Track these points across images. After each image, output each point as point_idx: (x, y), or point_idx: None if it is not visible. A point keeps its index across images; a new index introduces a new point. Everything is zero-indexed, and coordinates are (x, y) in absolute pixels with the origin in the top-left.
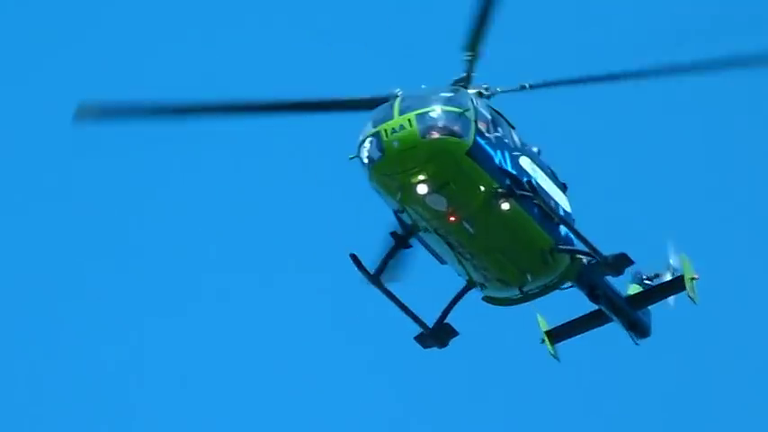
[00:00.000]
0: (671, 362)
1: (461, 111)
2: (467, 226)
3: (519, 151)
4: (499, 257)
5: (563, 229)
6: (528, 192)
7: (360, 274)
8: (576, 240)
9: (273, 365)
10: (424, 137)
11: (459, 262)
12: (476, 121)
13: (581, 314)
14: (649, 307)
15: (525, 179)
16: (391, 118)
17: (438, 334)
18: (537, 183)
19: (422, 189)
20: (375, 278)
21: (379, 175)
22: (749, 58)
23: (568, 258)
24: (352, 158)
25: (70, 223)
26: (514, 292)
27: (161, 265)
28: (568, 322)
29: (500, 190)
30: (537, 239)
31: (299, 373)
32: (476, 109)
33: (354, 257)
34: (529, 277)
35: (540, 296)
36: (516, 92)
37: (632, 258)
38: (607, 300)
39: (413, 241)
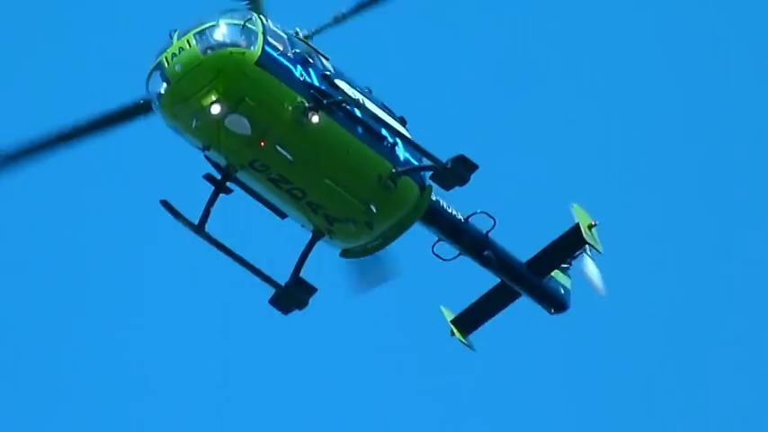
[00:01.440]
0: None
1: (243, 22)
2: (282, 152)
3: (332, 74)
4: (331, 187)
5: (402, 154)
6: (339, 104)
7: (180, 223)
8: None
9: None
10: (205, 52)
11: (294, 205)
12: (264, 34)
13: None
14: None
15: (339, 97)
16: (171, 45)
17: (293, 292)
18: (354, 101)
19: (216, 109)
20: (199, 228)
21: (169, 108)
22: None
23: (417, 187)
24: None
25: None
26: (367, 236)
27: None
28: (473, 304)
29: (307, 104)
30: (368, 162)
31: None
32: (262, 23)
33: (166, 204)
34: (374, 209)
35: (398, 236)
36: (332, 26)
37: (473, 161)
38: (502, 264)
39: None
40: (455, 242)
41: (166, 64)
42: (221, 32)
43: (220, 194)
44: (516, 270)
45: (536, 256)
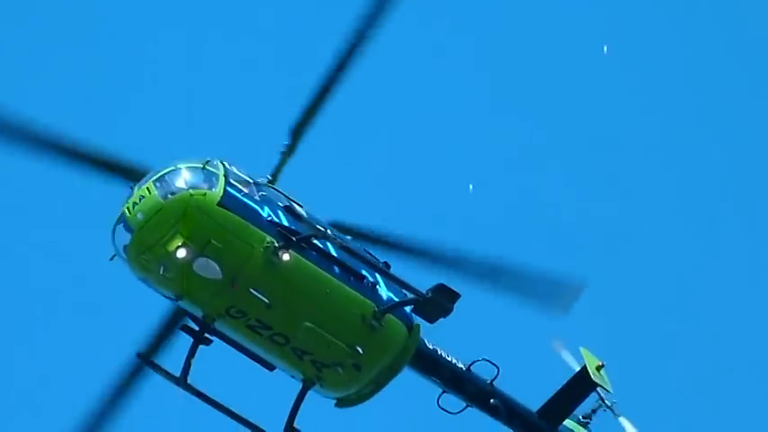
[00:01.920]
0: None
1: (202, 164)
2: (257, 295)
3: (303, 216)
4: (314, 330)
5: (385, 293)
6: (308, 241)
7: (161, 377)
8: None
9: None
10: (165, 197)
11: (278, 353)
12: (225, 176)
13: None
14: None
15: (309, 233)
16: (132, 195)
17: None
18: (325, 235)
19: (182, 254)
20: (182, 381)
21: (136, 258)
22: None
23: (403, 326)
24: (112, 258)
25: None
26: (357, 381)
27: None
28: None
29: (276, 244)
30: (349, 302)
31: None
32: (224, 166)
33: (144, 357)
34: (360, 350)
35: (390, 379)
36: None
37: (453, 289)
38: (511, 413)
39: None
40: (459, 393)
41: (128, 214)
42: (181, 177)
43: (200, 346)
44: (527, 420)
45: (547, 403)
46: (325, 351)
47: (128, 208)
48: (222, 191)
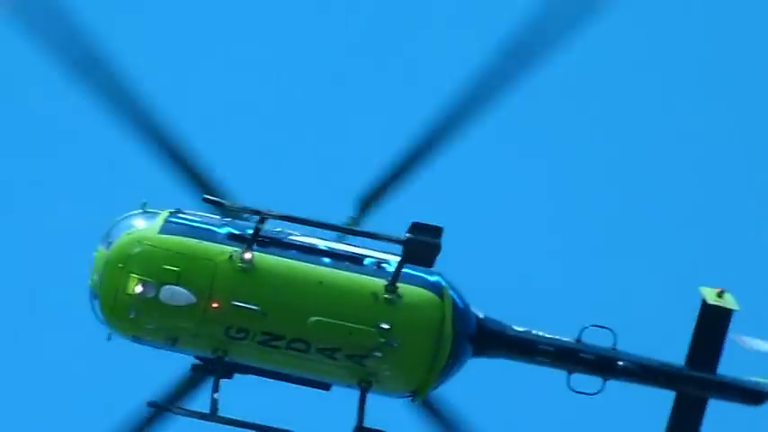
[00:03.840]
0: None
1: (141, 209)
2: (243, 305)
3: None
4: (324, 322)
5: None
6: (276, 240)
7: (188, 418)
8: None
9: None
10: (108, 247)
11: (307, 362)
12: (171, 212)
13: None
14: None
15: (276, 233)
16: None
17: None
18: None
19: (142, 291)
20: (213, 416)
21: (113, 319)
22: None
23: (429, 293)
24: (109, 339)
25: None
26: (408, 364)
27: None
28: None
29: (239, 252)
30: (350, 284)
31: None
32: (171, 211)
33: (155, 405)
34: (387, 326)
35: (447, 353)
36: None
37: (426, 223)
38: (657, 371)
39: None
40: (581, 367)
41: (91, 283)
42: (119, 225)
43: (221, 381)
44: (679, 374)
45: (690, 352)
46: (351, 339)
47: (90, 279)
48: (162, 221)
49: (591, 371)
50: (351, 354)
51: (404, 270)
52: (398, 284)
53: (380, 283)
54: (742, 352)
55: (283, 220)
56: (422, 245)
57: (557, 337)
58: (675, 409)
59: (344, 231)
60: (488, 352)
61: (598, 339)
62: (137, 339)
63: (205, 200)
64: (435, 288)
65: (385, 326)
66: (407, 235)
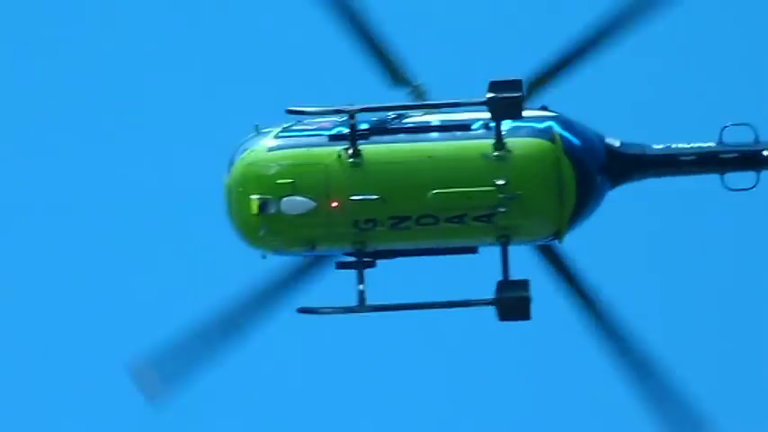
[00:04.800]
0: None
1: (255, 131)
2: (363, 197)
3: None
4: (443, 193)
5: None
6: (384, 128)
7: (339, 315)
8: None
9: None
10: (228, 174)
11: (441, 232)
12: (284, 128)
13: None
14: None
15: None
16: None
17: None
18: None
19: (264, 209)
20: (363, 307)
21: (248, 238)
22: None
23: (539, 140)
24: (264, 257)
25: None
26: (534, 208)
27: None
28: None
29: (342, 150)
30: (458, 152)
31: None
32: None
33: (306, 310)
34: (504, 182)
35: (573, 188)
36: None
37: (505, 79)
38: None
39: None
40: (729, 167)
41: (227, 213)
42: (236, 151)
43: (365, 271)
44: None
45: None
46: (472, 202)
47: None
48: (273, 138)
49: (740, 167)
50: (478, 215)
51: (514, 124)
52: (507, 140)
53: (488, 143)
54: None
55: (366, 111)
56: (503, 100)
57: (697, 144)
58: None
59: (426, 107)
60: (631, 177)
61: (740, 136)
62: (279, 252)
63: (289, 111)
64: (545, 134)
65: (500, 182)
66: (489, 95)
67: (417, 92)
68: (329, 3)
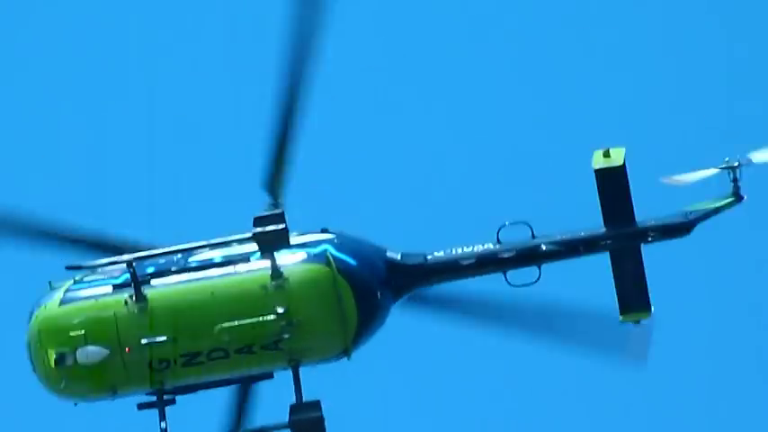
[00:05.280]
0: None
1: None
2: (152, 340)
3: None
4: (229, 327)
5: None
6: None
7: None
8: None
9: None
10: (27, 330)
11: (231, 364)
12: (75, 281)
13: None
14: None
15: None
16: None
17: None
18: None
19: (62, 361)
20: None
21: (52, 389)
22: None
23: (313, 264)
24: (76, 404)
25: None
26: (319, 330)
27: None
28: (618, 289)
29: (128, 297)
30: (238, 286)
31: None
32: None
33: None
34: (283, 309)
35: (355, 308)
36: None
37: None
38: (588, 242)
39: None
40: (511, 264)
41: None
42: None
43: (166, 408)
44: (606, 235)
45: (604, 213)
46: (257, 332)
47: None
48: (63, 293)
49: (520, 264)
50: (265, 344)
51: (295, 248)
52: (283, 268)
53: (266, 274)
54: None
55: (141, 259)
56: (268, 234)
57: (477, 247)
58: (614, 267)
59: (195, 248)
60: (414, 286)
61: (517, 234)
62: (83, 401)
63: (68, 267)
64: (319, 258)
65: (281, 310)
66: (253, 230)
67: (276, 206)
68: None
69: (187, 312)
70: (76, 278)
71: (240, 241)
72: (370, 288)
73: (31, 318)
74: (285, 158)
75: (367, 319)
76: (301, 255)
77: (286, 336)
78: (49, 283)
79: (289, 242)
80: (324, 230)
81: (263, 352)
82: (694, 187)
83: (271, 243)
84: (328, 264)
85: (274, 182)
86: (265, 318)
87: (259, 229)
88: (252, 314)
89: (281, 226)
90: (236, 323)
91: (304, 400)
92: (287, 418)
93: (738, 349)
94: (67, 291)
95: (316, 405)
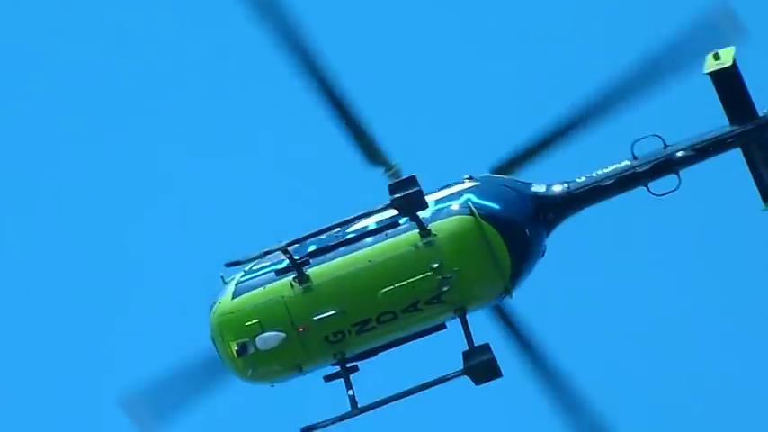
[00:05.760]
0: None
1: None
2: (324, 315)
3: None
4: (390, 290)
5: (429, 212)
6: (319, 251)
7: (338, 423)
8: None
9: None
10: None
11: (404, 324)
12: (244, 273)
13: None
14: None
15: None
16: None
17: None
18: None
19: (244, 350)
20: (355, 411)
21: (243, 377)
22: None
23: (458, 218)
24: (272, 386)
25: None
26: (474, 278)
27: None
28: (755, 178)
29: (292, 280)
30: (392, 250)
31: None
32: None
33: (311, 428)
34: (437, 264)
35: (504, 247)
36: None
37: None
38: (719, 143)
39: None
40: (648, 178)
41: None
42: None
43: (350, 376)
44: (735, 133)
45: (727, 113)
46: (418, 291)
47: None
48: (234, 286)
49: (658, 175)
50: (428, 299)
51: (435, 207)
52: (430, 225)
53: (415, 233)
54: None
55: (293, 244)
56: (405, 198)
57: (614, 166)
58: (748, 160)
59: (341, 225)
60: (562, 215)
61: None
62: (276, 381)
63: (227, 264)
64: (462, 209)
65: (435, 265)
66: (391, 197)
67: (393, 172)
68: (314, 85)
69: (349, 283)
70: (245, 269)
71: (380, 210)
72: (517, 227)
73: (210, 314)
74: (360, 128)
75: (520, 257)
76: (448, 207)
77: (445, 288)
78: (222, 277)
79: (425, 202)
80: (470, 178)
81: (428, 307)
82: None
83: (409, 206)
84: (471, 212)
85: (370, 152)
86: (423, 275)
87: (395, 195)
88: (410, 274)
89: (415, 189)
90: (397, 285)
91: (474, 345)
92: (462, 365)
93: None
94: (238, 283)
95: (486, 348)
